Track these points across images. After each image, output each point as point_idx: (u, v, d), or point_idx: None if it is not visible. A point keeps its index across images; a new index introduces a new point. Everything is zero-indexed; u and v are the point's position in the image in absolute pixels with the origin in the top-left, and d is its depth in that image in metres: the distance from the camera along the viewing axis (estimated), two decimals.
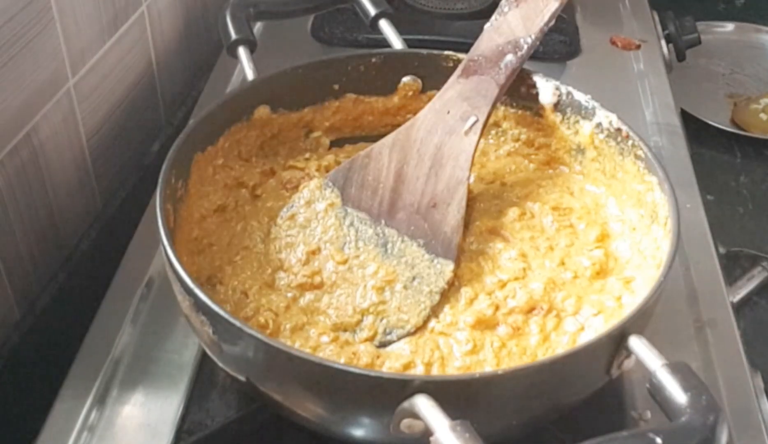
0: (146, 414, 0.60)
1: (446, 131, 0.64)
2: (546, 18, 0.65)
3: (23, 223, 0.70)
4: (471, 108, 0.64)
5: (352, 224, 0.62)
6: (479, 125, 0.64)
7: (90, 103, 0.78)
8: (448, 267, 0.60)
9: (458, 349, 0.55)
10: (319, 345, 0.56)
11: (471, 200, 0.64)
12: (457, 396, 0.46)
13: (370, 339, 0.57)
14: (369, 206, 0.63)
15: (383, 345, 0.57)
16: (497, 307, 0.58)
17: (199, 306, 0.50)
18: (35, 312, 0.72)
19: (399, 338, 0.57)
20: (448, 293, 0.59)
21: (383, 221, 0.62)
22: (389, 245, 0.61)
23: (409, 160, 0.64)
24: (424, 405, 0.44)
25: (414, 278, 0.59)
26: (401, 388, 0.45)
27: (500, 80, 0.65)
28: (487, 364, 0.55)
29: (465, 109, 0.64)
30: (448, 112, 0.65)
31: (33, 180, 0.70)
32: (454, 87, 0.65)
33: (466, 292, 0.59)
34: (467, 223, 0.63)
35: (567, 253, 0.62)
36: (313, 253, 0.61)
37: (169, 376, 0.62)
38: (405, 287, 0.59)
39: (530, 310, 0.58)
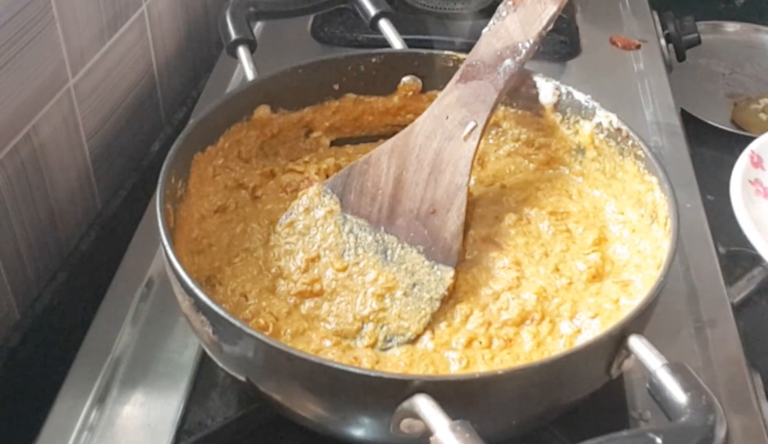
0: (146, 414, 0.60)
1: (445, 137, 0.64)
2: (544, 22, 0.65)
3: (23, 223, 0.70)
4: (470, 113, 0.64)
5: (351, 231, 0.62)
6: (478, 130, 0.64)
7: (90, 103, 0.78)
8: (449, 273, 0.60)
9: (452, 367, 0.55)
10: (321, 348, 0.56)
11: (470, 204, 0.64)
12: (457, 396, 0.46)
13: (371, 346, 0.57)
14: (368, 213, 0.63)
15: (383, 351, 0.57)
16: (489, 324, 0.58)
17: (199, 306, 0.50)
18: (35, 312, 0.72)
19: (399, 345, 0.57)
20: (444, 308, 0.59)
21: (383, 228, 0.62)
22: (389, 252, 0.61)
23: (408, 166, 0.64)
24: (424, 405, 0.44)
25: (414, 285, 0.59)
26: (401, 388, 0.45)
27: (499, 85, 0.64)
28: None
29: (464, 115, 0.64)
30: (447, 118, 0.64)
31: (33, 180, 0.70)
32: (452, 92, 0.65)
33: (461, 308, 0.59)
34: (464, 231, 0.63)
35: (562, 259, 0.62)
36: (313, 260, 0.61)
37: (169, 376, 0.62)
38: (405, 294, 0.59)
39: (522, 322, 0.57)
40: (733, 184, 0.78)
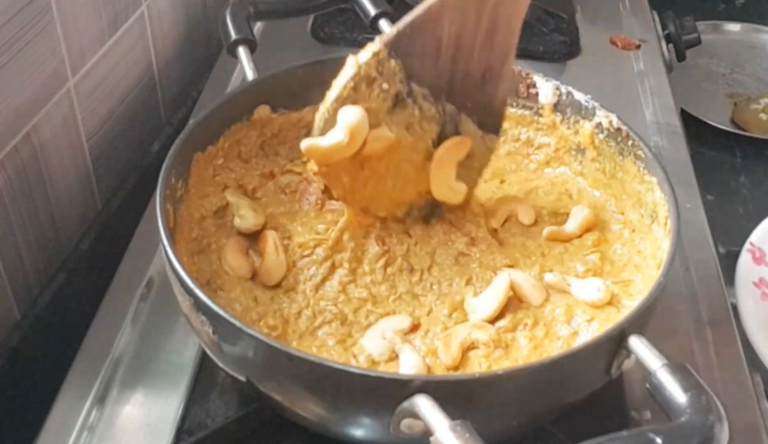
0: (146, 414, 0.60)
1: None
2: None
3: (23, 223, 0.70)
4: None
5: (416, 102, 0.60)
6: None
7: (90, 103, 0.78)
8: (496, 142, 0.63)
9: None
10: (323, 344, 0.56)
11: (469, 202, 0.64)
12: (457, 396, 0.46)
13: None
14: (431, 79, 0.60)
15: None
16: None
17: (199, 306, 0.50)
18: (35, 312, 0.72)
19: None
20: (441, 311, 0.58)
21: (443, 98, 0.61)
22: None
23: (466, 23, 0.59)
24: (424, 405, 0.44)
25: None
26: (401, 388, 0.45)
27: None
28: None
29: None
30: None
31: (33, 180, 0.70)
32: None
33: (457, 316, 0.58)
34: (465, 232, 0.63)
35: (560, 259, 0.62)
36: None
37: (169, 376, 0.62)
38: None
39: (514, 328, 0.57)
40: (739, 292, 0.69)
